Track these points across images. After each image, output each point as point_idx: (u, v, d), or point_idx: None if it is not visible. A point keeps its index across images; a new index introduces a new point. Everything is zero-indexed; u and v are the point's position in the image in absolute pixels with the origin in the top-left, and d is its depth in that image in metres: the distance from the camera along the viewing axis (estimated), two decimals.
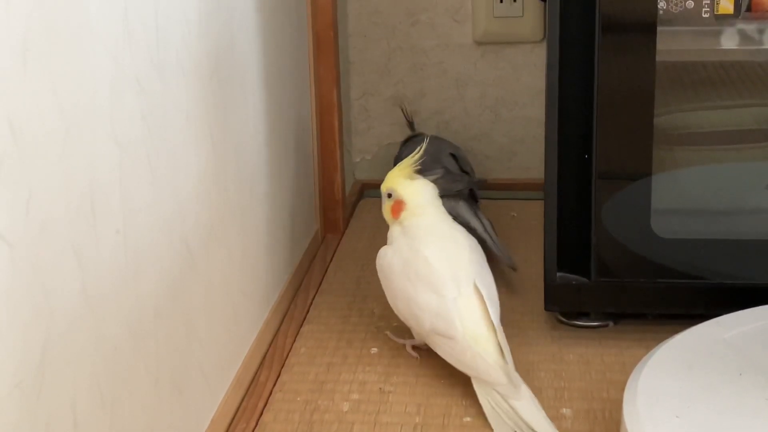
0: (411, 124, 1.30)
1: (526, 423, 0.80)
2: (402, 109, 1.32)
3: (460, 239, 0.90)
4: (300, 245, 1.14)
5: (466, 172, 1.21)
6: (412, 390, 0.89)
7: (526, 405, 0.81)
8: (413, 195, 0.91)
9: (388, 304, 0.93)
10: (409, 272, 0.88)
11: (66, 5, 0.57)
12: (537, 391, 0.87)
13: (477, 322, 0.85)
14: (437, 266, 0.87)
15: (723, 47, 0.95)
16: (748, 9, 0.91)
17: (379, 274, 0.93)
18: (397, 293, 0.90)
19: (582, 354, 0.94)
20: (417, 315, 0.87)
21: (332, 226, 1.25)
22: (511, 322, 0.99)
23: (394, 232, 0.93)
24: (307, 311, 1.05)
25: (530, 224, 1.26)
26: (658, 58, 0.89)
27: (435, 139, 1.19)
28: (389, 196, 0.93)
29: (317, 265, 1.16)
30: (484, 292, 0.86)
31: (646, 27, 0.89)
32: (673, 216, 0.96)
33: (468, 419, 0.84)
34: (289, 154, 1.09)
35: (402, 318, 0.92)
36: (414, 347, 0.94)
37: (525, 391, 0.82)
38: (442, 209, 0.93)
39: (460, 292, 0.86)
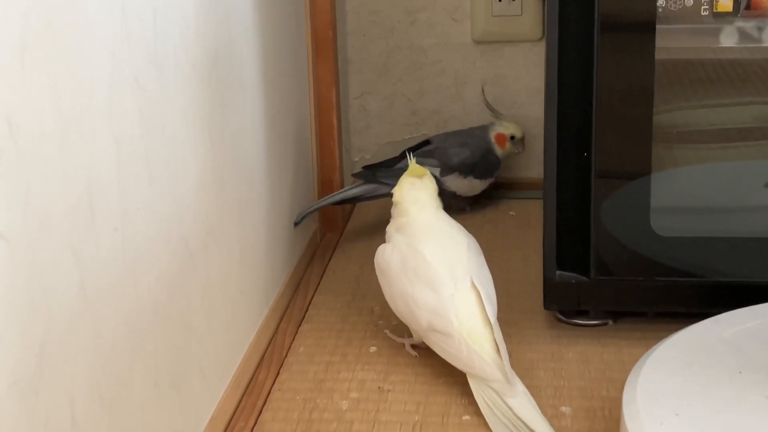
0: (492, 109, 1.32)
1: (521, 420, 0.80)
2: (483, 94, 1.32)
3: (457, 236, 0.90)
4: (299, 244, 1.14)
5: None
6: (411, 388, 0.89)
7: (521, 402, 0.81)
8: (413, 191, 0.92)
9: (388, 303, 0.93)
10: (407, 269, 0.89)
11: (64, 3, 0.57)
12: (536, 390, 0.87)
13: (473, 318, 0.85)
14: (435, 263, 0.87)
15: (722, 45, 0.95)
16: (747, 7, 0.91)
17: (377, 272, 0.93)
18: (395, 291, 0.90)
19: (581, 352, 0.94)
20: (414, 312, 0.87)
21: (331, 225, 1.25)
22: (510, 320, 0.99)
23: (392, 229, 0.93)
24: (306, 310, 1.05)
25: (529, 223, 1.26)
26: (657, 56, 0.89)
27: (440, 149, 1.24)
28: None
29: (316, 264, 1.16)
30: (481, 290, 0.86)
31: (645, 25, 0.89)
32: (672, 214, 0.96)
33: (467, 418, 0.84)
34: (288, 153, 1.09)
35: (400, 316, 0.92)
36: (413, 346, 0.94)
37: (520, 388, 0.82)
38: (440, 207, 0.93)
39: (456, 288, 0.86)
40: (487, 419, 0.82)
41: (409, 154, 0.97)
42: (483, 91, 1.33)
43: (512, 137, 1.29)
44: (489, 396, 0.82)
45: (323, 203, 1.19)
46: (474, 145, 1.27)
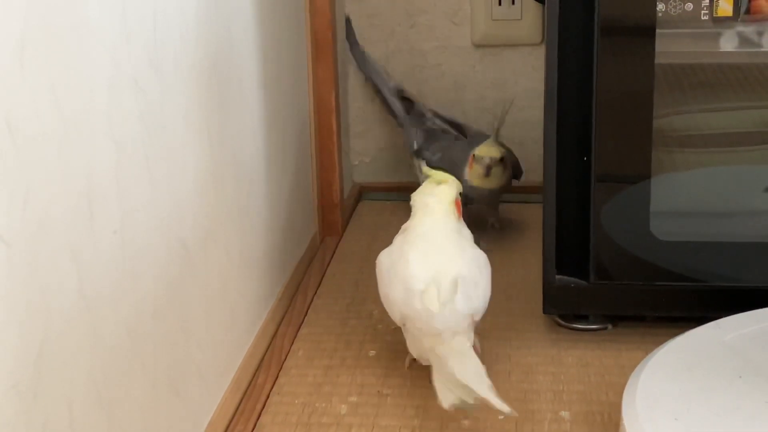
0: (499, 124, 1.17)
1: (459, 382, 0.78)
2: (506, 111, 1.18)
3: (451, 250, 0.88)
4: (298, 247, 1.14)
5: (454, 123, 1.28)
6: (410, 392, 0.89)
7: (457, 362, 0.79)
8: (425, 197, 0.91)
9: None
10: (391, 271, 0.89)
11: (64, 4, 0.57)
12: (535, 394, 0.87)
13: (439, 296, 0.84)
14: (416, 270, 0.86)
15: (722, 50, 0.95)
16: (747, 11, 0.91)
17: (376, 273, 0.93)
18: (381, 292, 0.90)
19: (581, 357, 0.94)
20: (392, 309, 0.88)
21: (330, 229, 1.25)
22: (509, 325, 0.99)
23: (400, 230, 0.93)
24: (305, 313, 1.05)
25: (529, 227, 1.26)
26: (656, 61, 0.89)
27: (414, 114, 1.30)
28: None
29: (315, 267, 1.16)
30: (464, 301, 0.84)
31: (645, 29, 0.89)
32: (672, 218, 0.96)
33: (466, 422, 0.84)
34: (288, 156, 1.09)
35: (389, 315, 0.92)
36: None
37: (459, 344, 0.81)
38: (451, 218, 0.90)
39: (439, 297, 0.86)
40: (438, 393, 0.80)
41: (426, 166, 0.97)
42: (508, 108, 1.18)
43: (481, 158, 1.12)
44: (441, 370, 0.81)
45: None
46: (450, 157, 1.18)
